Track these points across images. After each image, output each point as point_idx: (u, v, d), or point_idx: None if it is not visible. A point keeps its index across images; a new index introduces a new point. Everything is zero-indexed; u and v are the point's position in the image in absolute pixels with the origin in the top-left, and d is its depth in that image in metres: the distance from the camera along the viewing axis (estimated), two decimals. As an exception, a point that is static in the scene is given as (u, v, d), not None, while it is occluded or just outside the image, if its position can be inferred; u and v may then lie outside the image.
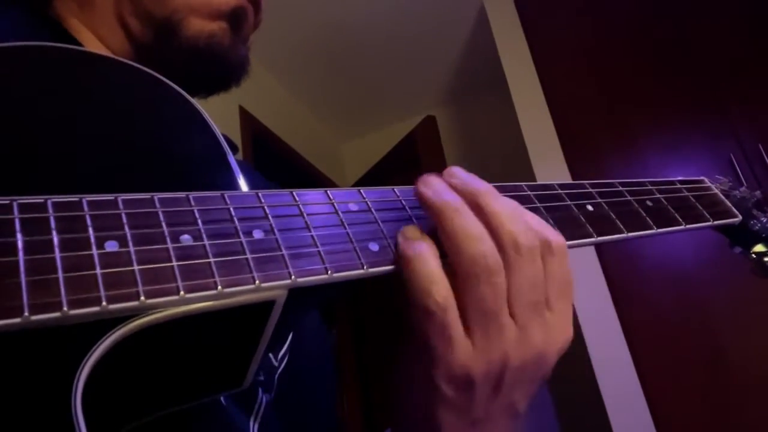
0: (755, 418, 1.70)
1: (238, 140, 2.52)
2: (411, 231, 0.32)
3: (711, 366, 1.78)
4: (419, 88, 3.46)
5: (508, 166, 2.35)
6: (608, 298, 1.93)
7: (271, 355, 0.49)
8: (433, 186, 0.33)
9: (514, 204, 0.34)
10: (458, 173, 0.34)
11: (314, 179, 3.28)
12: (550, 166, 2.21)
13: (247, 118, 2.68)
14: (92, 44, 0.52)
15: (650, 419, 1.79)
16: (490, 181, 0.39)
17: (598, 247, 1.97)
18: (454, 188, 0.33)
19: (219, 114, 2.37)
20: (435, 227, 0.33)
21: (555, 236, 0.34)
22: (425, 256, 0.31)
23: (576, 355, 2.04)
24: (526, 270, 0.32)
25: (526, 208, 0.36)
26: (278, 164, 2.95)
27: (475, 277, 0.31)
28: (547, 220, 0.38)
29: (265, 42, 2.84)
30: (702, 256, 1.80)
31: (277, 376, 0.50)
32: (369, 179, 3.28)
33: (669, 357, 1.83)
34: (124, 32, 0.52)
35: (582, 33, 2.34)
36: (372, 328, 3.10)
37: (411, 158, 3.04)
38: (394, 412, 0.37)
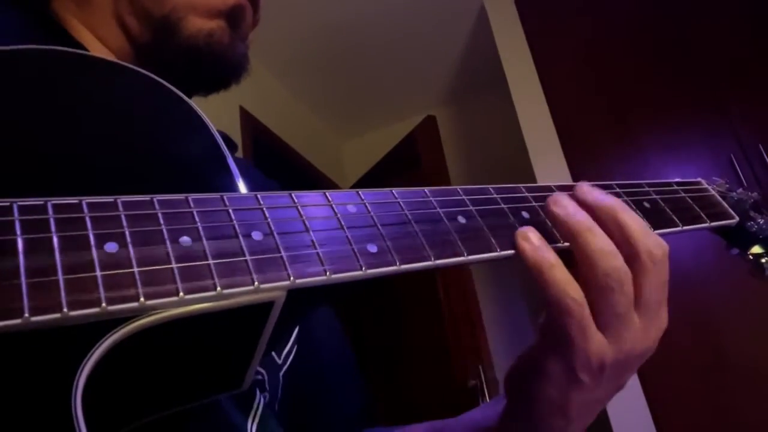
0: (755, 418, 1.70)
1: (238, 140, 2.53)
2: (532, 234, 0.36)
3: (711, 366, 1.78)
4: (419, 88, 3.46)
5: (508, 166, 2.35)
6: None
7: (274, 353, 0.49)
8: (564, 206, 0.37)
9: (640, 219, 0.38)
10: (589, 191, 0.39)
11: (314, 179, 3.28)
12: (551, 166, 2.21)
13: (247, 119, 2.68)
14: (91, 44, 0.52)
15: (650, 419, 1.79)
16: (490, 181, 0.40)
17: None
18: (586, 205, 0.38)
19: (219, 114, 2.37)
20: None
21: (665, 244, 0.39)
22: (558, 264, 0.35)
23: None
24: (656, 276, 0.37)
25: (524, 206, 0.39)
26: (279, 164, 2.95)
27: (609, 288, 0.35)
28: None
29: (266, 42, 2.84)
30: (702, 257, 1.80)
31: (281, 374, 0.50)
32: (369, 179, 3.27)
33: (669, 357, 1.83)
34: (122, 32, 0.52)
35: (582, 33, 2.34)
36: (372, 329, 3.10)
37: (411, 158, 3.04)
38: (517, 396, 0.41)
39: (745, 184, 1.83)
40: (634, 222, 0.37)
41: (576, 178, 2.14)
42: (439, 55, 3.22)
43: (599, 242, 0.36)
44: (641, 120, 2.12)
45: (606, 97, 2.20)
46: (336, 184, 3.49)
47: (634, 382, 1.84)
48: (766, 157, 1.86)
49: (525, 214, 0.39)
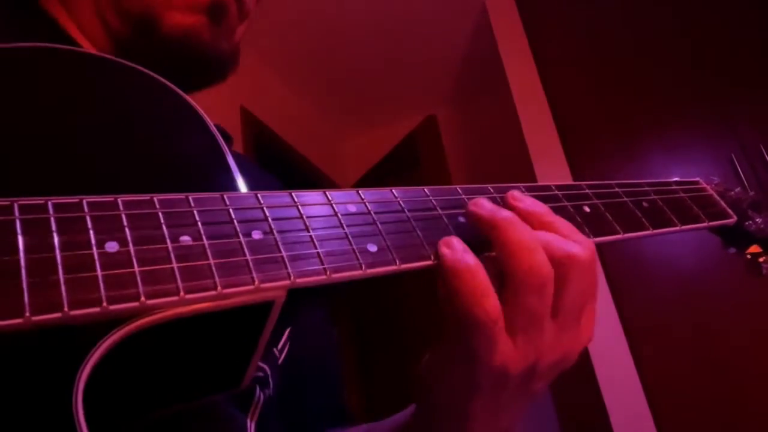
0: (756, 419, 1.70)
1: (239, 140, 2.53)
2: (456, 241, 0.33)
3: (712, 366, 1.78)
4: (420, 87, 3.46)
5: (508, 166, 2.35)
6: (609, 299, 1.93)
7: (274, 349, 0.50)
8: (485, 205, 0.35)
9: (567, 222, 0.36)
10: (521, 198, 0.36)
11: (315, 178, 3.28)
12: (551, 166, 2.21)
13: (248, 118, 2.68)
14: (78, 38, 0.51)
15: (651, 419, 1.79)
16: (490, 181, 0.40)
17: (599, 247, 1.97)
18: (513, 209, 0.35)
19: (220, 114, 2.37)
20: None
21: (593, 247, 0.36)
22: (474, 269, 0.31)
23: (577, 354, 2.04)
24: (579, 281, 0.34)
25: None
26: (280, 164, 2.95)
27: (528, 286, 0.32)
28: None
29: (267, 41, 2.84)
30: (704, 257, 1.80)
31: (279, 368, 0.50)
32: (370, 178, 3.27)
33: (670, 357, 1.83)
34: (103, 27, 0.51)
35: (583, 33, 2.33)
36: (372, 327, 3.10)
37: (412, 158, 3.04)
38: (421, 398, 0.39)
39: (746, 183, 1.82)
40: (559, 223, 0.35)
41: (577, 177, 2.14)
42: (440, 55, 3.21)
43: (521, 236, 0.33)
44: (642, 120, 2.11)
45: (607, 97, 2.20)
46: (337, 183, 3.48)
47: (634, 382, 1.84)
48: (767, 156, 1.86)
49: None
